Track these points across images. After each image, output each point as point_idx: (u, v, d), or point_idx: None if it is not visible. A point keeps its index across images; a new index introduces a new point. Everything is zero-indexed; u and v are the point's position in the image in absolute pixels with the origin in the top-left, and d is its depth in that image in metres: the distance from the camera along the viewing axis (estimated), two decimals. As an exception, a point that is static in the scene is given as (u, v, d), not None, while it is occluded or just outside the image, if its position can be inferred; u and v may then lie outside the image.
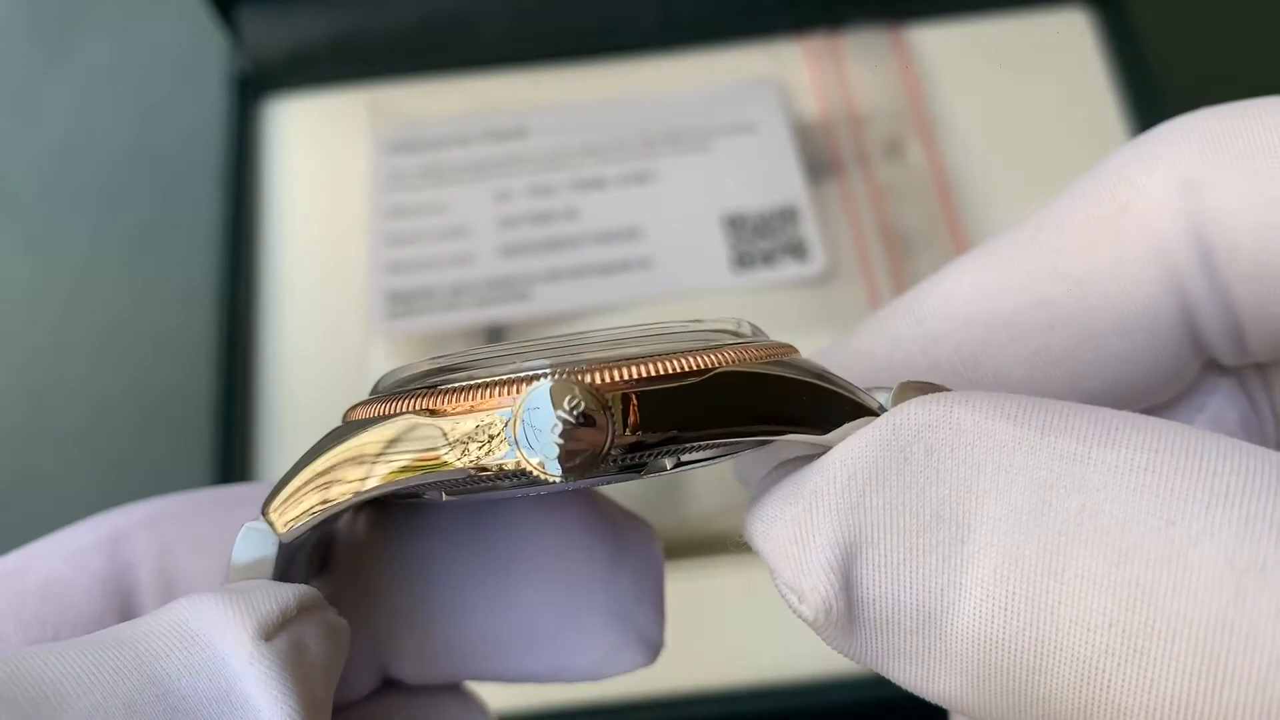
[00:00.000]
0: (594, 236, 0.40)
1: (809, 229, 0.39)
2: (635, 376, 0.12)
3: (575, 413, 0.12)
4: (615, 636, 0.17)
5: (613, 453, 0.12)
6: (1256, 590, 0.10)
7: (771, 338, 0.14)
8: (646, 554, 0.16)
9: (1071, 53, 0.43)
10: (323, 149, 0.43)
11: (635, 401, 0.12)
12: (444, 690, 0.16)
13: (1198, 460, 0.11)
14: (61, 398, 0.43)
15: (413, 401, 0.13)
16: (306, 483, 0.14)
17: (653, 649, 0.17)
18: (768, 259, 0.39)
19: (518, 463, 0.12)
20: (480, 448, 0.12)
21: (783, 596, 0.12)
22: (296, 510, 0.14)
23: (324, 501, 0.13)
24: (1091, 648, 0.10)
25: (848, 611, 0.12)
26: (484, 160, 0.41)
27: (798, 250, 0.39)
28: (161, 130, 0.47)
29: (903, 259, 0.39)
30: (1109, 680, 0.10)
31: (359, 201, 0.41)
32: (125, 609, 0.15)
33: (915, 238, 0.39)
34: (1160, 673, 0.10)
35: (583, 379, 0.12)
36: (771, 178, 0.40)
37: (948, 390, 0.13)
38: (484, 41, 0.44)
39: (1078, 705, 0.11)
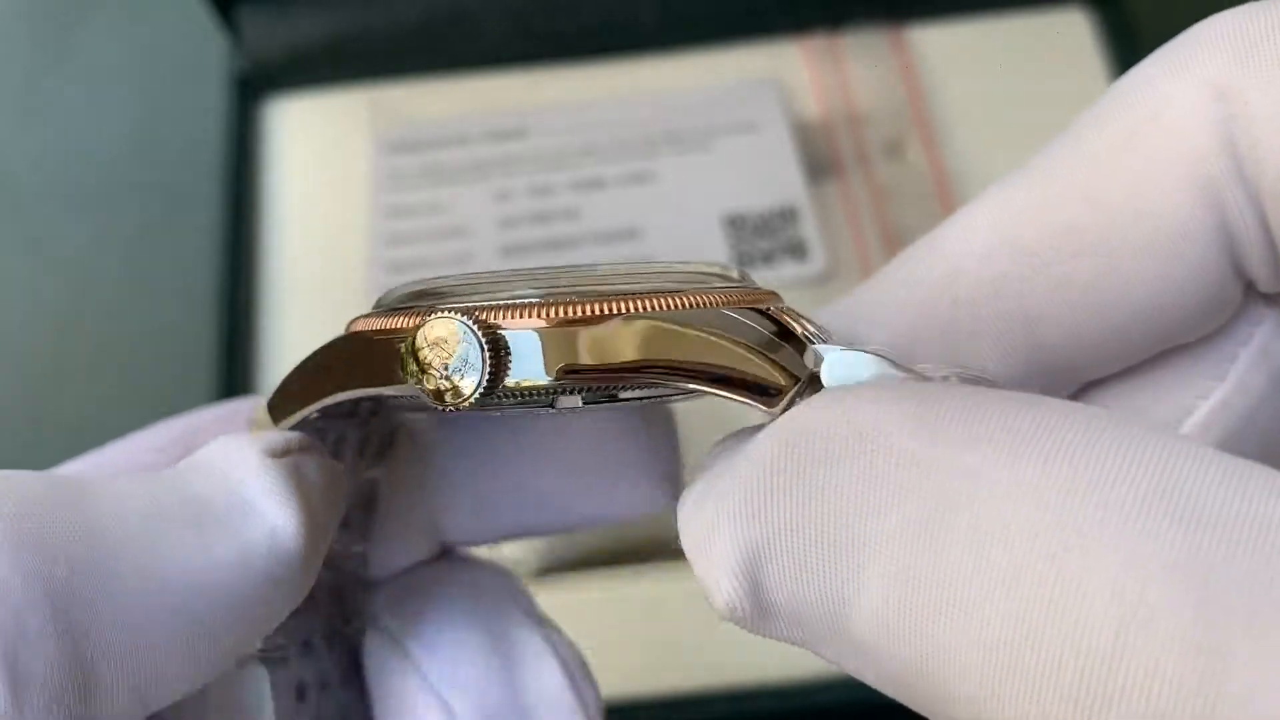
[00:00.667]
0: (594, 237, 0.40)
1: (809, 229, 0.39)
2: (573, 315, 0.13)
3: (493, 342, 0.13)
4: (646, 481, 0.17)
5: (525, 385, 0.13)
6: (1138, 632, 0.09)
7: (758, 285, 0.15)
8: (664, 415, 0.18)
9: (1071, 53, 0.43)
10: (323, 149, 0.43)
11: (560, 340, 0.13)
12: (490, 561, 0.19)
13: (1098, 472, 0.10)
14: (62, 396, 0.43)
15: (403, 319, 0.14)
16: (299, 385, 0.15)
17: (676, 488, 0.18)
18: (767, 259, 0.39)
19: (437, 387, 0.13)
20: (426, 372, 0.13)
21: (700, 585, 0.13)
22: (291, 408, 0.15)
23: (305, 404, 0.15)
24: (984, 665, 0.10)
25: (756, 608, 0.12)
26: (484, 160, 0.41)
27: (797, 250, 0.39)
28: (162, 130, 0.47)
29: (903, 259, 0.39)
30: (1001, 698, 0.10)
31: (359, 201, 0.41)
32: None
33: (915, 238, 0.39)
34: (1048, 699, 0.10)
35: (512, 315, 0.13)
36: (771, 178, 0.40)
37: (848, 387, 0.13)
38: (484, 41, 0.44)
39: (972, 707, 0.10)
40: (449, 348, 0.13)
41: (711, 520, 0.12)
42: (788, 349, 0.14)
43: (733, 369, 0.13)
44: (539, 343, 0.13)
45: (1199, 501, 0.10)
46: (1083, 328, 0.14)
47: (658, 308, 0.13)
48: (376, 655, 0.17)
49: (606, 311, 0.13)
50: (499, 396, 0.13)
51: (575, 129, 0.42)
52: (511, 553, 0.35)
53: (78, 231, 0.46)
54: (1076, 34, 0.43)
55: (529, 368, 0.13)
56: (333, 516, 0.15)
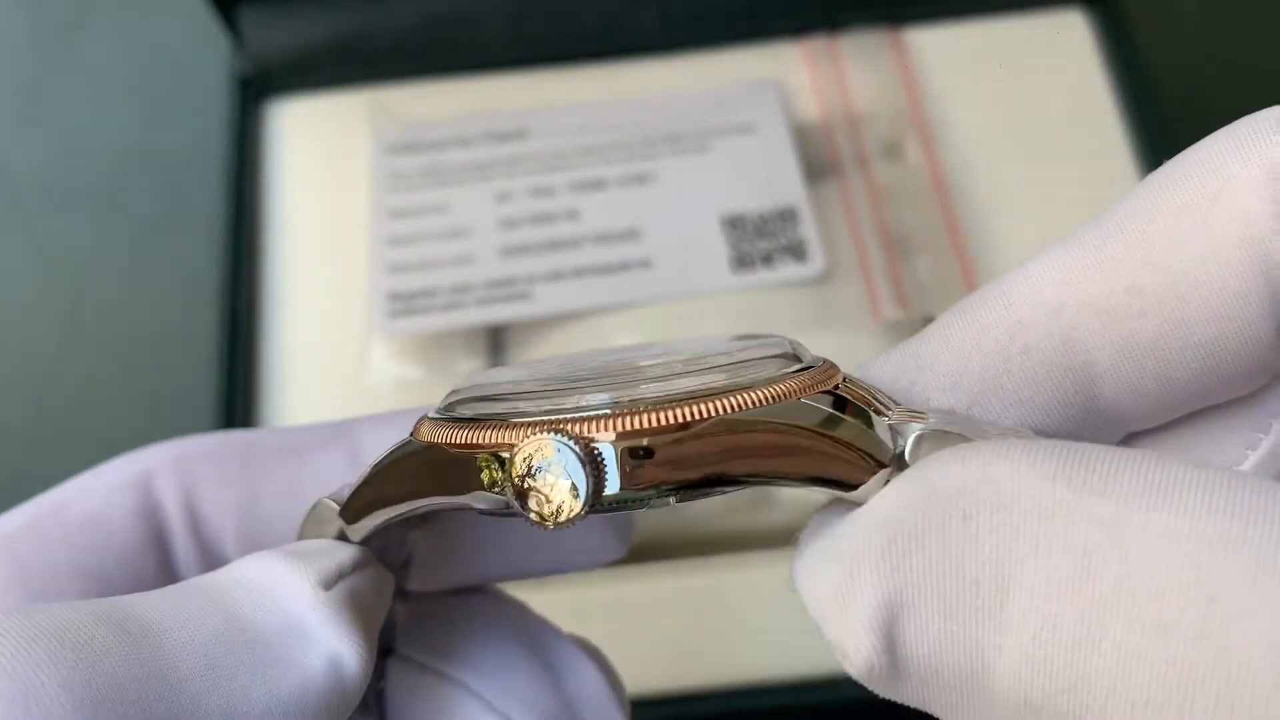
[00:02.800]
0: (594, 237, 0.40)
1: (808, 230, 0.39)
2: (649, 425, 0.13)
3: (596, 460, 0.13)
4: (599, 535, 0.18)
5: (606, 496, 0.13)
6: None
7: (812, 354, 0.15)
8: None
9: (1069, 54, 0.43)
10: (324, 150, 0.43)
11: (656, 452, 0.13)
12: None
13: (1244, 525, 0.10)
14: (64, 398, 0.43)
15: (484, 433, 0.14)
16: (374, 491, 0.15)
17: (627, 542, 0.19)
18: (767, 260, 0.39)
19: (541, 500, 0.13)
20: (526, 491, 0.13)
21: (830, 646, 0.13)
22: (365, 513, 0.15)
23: (380, 508, 0.15)
24: (1136, 718, 0.10)
25: (892, 666, 0.12)
26: (485, 161, 0.42)
27: (797, 251, 0.39)
28: (164, 131, 0.47)
29: (901, 260, 0.39)
30: None
31: (360, 202, 0.41)
32: (160, 542, 0.17)
33: (914, 238, 0.40)
34: None
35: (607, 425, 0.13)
36: (771, 179, 0.40)
37: (971, 441, 0.13)
38: (485, 43, 0.44)
39: None
40: (548, 464, 0.13)
41: (842, 578, 0.12)
42: (863, 430, 0.14)
43: (815, 468, 0.13)
44: (614, 454, 0.13)
45: None
46: (1142, 383, 0.15)
47: (730, 409, 0.13)
48: (403, 682, 0.18)
49: (682, 419, 0.13)
50: (598, 508, 0.13)
51: (575, 130, 0.42)
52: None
53: (79, 232, 0.46)
54: (1075, 35, 0.43)
55: (613, 480, 0.13)
56: (380, 621, 0.16)
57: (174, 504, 0.17)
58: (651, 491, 0.13)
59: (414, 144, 0.42)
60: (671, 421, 0.13)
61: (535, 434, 0.13)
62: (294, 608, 0.14)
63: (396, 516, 0.15)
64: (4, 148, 0.48)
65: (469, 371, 0.38)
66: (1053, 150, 0.41)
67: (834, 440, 0.13)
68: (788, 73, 0.43)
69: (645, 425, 0.13)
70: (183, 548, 0.17)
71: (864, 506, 0.13)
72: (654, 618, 0.34)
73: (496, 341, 0.39)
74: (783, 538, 0.36)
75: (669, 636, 0.34)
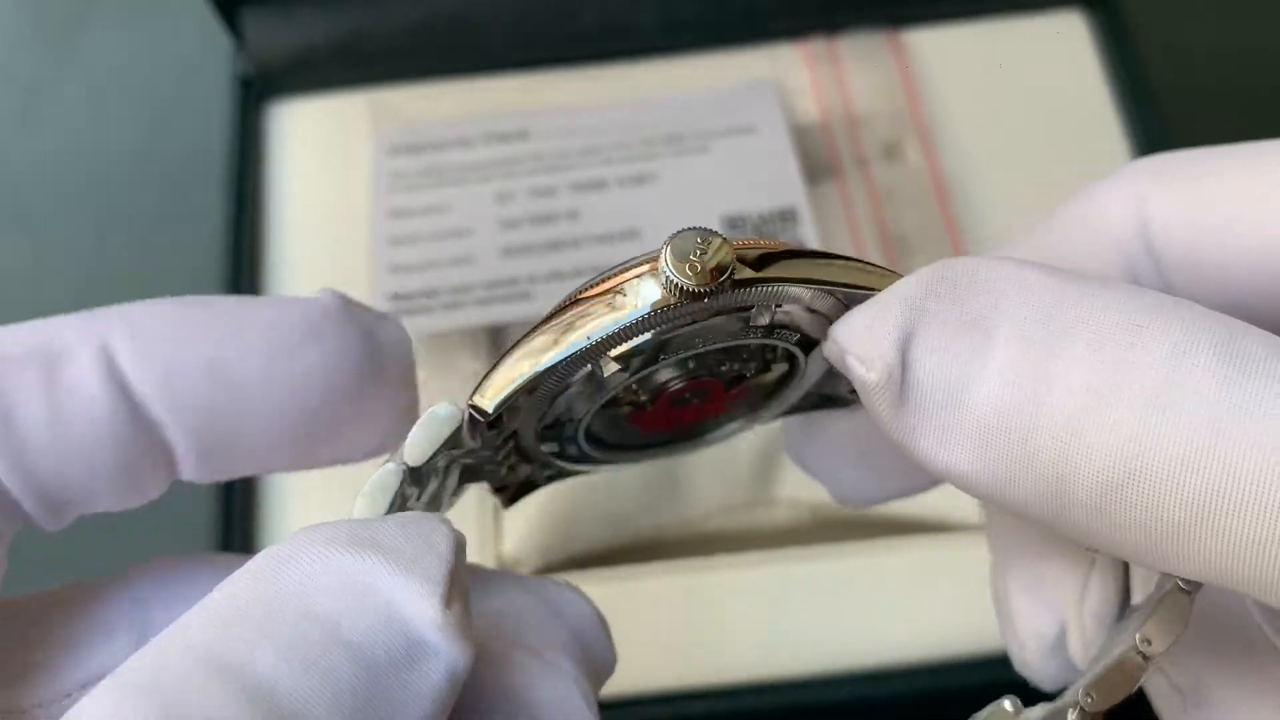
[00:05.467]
0: (595, 238, 0.40)
1: (808, 230, 0.39)
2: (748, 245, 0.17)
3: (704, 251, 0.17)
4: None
5: (731, 278, 0.16)
6: (1189, 362, 0.14)
7: None
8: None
9: (1069, 55, 0.43)
10: (325, 151, 0.43)
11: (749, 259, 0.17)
12: None
13: (1170, 303, 0.15)
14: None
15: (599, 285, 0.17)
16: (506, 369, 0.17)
17: None
18: (767, 260, 0.39)
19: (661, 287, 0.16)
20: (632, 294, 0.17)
21: (850, 369, 0.16)
22: (500, 385, 0.17)
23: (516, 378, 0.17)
24: (1070, 409, 0.14)
25: (900, 380, 0.15)
26: (485, 162, 0.42)
27: (797, 251, 0.39)
28: (166, 132, 0.47)
29: (900, 260, 0.39)
30: (1080, 429, 0.14)
31: (361, 203, 0.42)
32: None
33: (913, 239, 0.40)
34: (1117, 418, 0.14)
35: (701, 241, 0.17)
36: (771, 180, 0.40)
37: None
38: (485, 45, 0.44)
39: (1055, 457, 0.14)
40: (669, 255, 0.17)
41: (878, 310, 0.16)
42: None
43: (850, 278, 0.17)
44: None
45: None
46: None
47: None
48: None
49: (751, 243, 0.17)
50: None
51: (576, 131, 0.42)
52: (511, 551, 0.36)
53: (81, 233, 0.46)
54: (1074, 36, 0.44)
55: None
56: None
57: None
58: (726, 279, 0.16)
59: (414, 144, 0.42)
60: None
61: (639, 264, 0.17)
62: (417, 630, 0.14)
63: (536, 373, 0.17)
64: (5, 148, 0.48)
65: (473, 373, 0.38)
66: (1052, 151, 0.41)
67: (865, 263, 0.17)
68: (787, 73, 0.43)
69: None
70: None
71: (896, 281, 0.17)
72: (652, 617, 0.34)
73: (497, 341, 0.39)
74: (782, 538, 0.36)
75: (667, 636, 0.34)
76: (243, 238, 0.41)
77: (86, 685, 0.18)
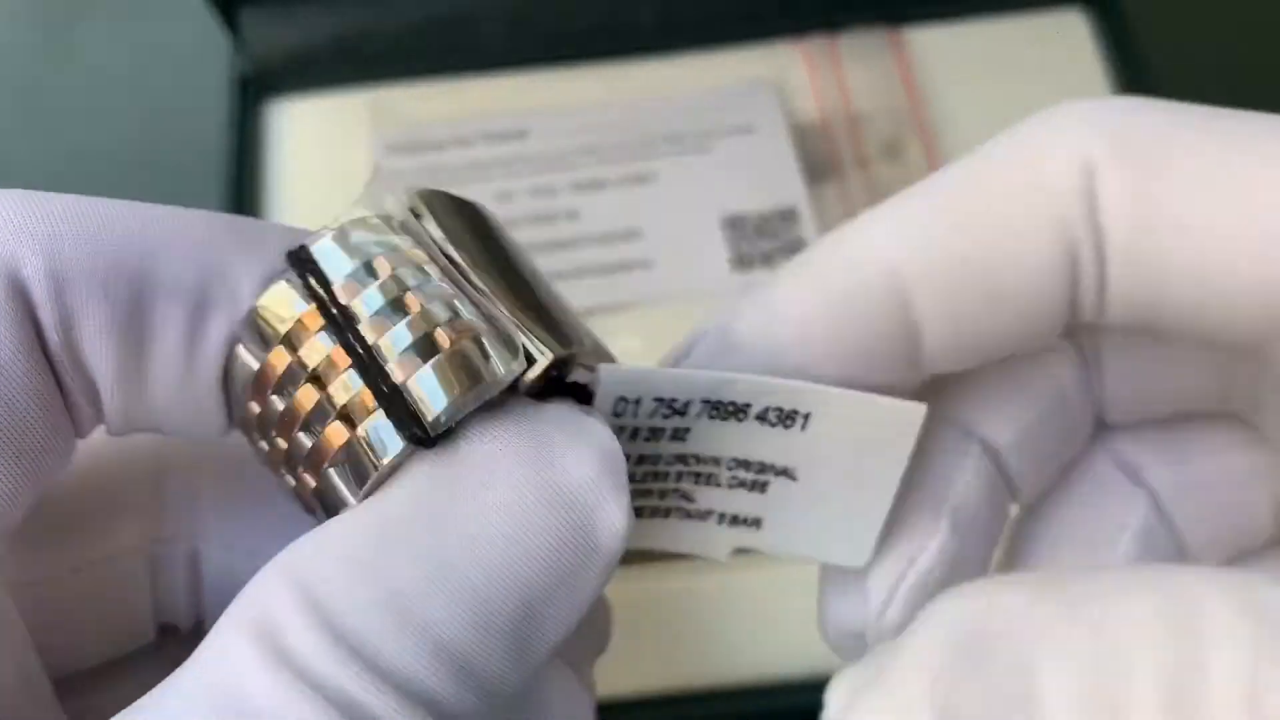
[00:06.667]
0: (594, 237, 0.40)
1: (808, 230, 0.39)
2: None
3: None
4: None
5: None
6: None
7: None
8: None
9: (1070, 54, 0.43)
10: (324, 150, 0.43)
11: None
12: None
13: (1196, 605, 0.13)
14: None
15: None
16: None
17: None
18: (767, 260, 0.39)
19: None
20: None
21: None
22: None
23: None
24: None
25: None
26: (485, 161, 0.42)
27: (797, 251, 0.39)
28: (164, 131, 0.47)
29: (901, 260, 0.39)
30: None
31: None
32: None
33: (914, 238, 0.40)
34: None
35: None
36: (771, 179, 0.40)
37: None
38: (484, 44, 0.44)
39: None
40: None
41: (900, 714, 0.14)
42: None
43: None
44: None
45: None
46: (959, 341, 0.17)
47: None
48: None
49: None
50: None
51: (575, 131, 0.42)
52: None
53: (80, 233, 0.46)
54: (1075, 35, 0.43)
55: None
56: None
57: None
58: None
59: (414, 144, 0.42)
60: None
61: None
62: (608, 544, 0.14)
63: None
64: (4, 147, 0.48)
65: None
66: (1052, 150, 0.41)
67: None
68: (787, 73, 0.43)
69: None
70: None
71: (904, 651, 0.15)
72: (653, 618, 0.34)
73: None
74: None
75: (667, 636, 0.34)
76: (242, 237, 0.41)
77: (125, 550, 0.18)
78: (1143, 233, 0.16)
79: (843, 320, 0.17)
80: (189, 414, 0.16)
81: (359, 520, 0.14)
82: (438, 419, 0.14)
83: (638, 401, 0.16)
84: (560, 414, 0.15)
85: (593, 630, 0.19)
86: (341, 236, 0.15)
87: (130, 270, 0.15)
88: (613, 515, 0.14)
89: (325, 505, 0.15)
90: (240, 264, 0.15)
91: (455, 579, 0.13)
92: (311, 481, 0.15)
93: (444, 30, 0.44)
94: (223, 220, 0.16)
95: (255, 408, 0.15)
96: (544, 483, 0.14)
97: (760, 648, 0.34)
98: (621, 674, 0.33)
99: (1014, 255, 0.16)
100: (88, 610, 0.18)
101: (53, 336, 0.14)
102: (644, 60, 0.44)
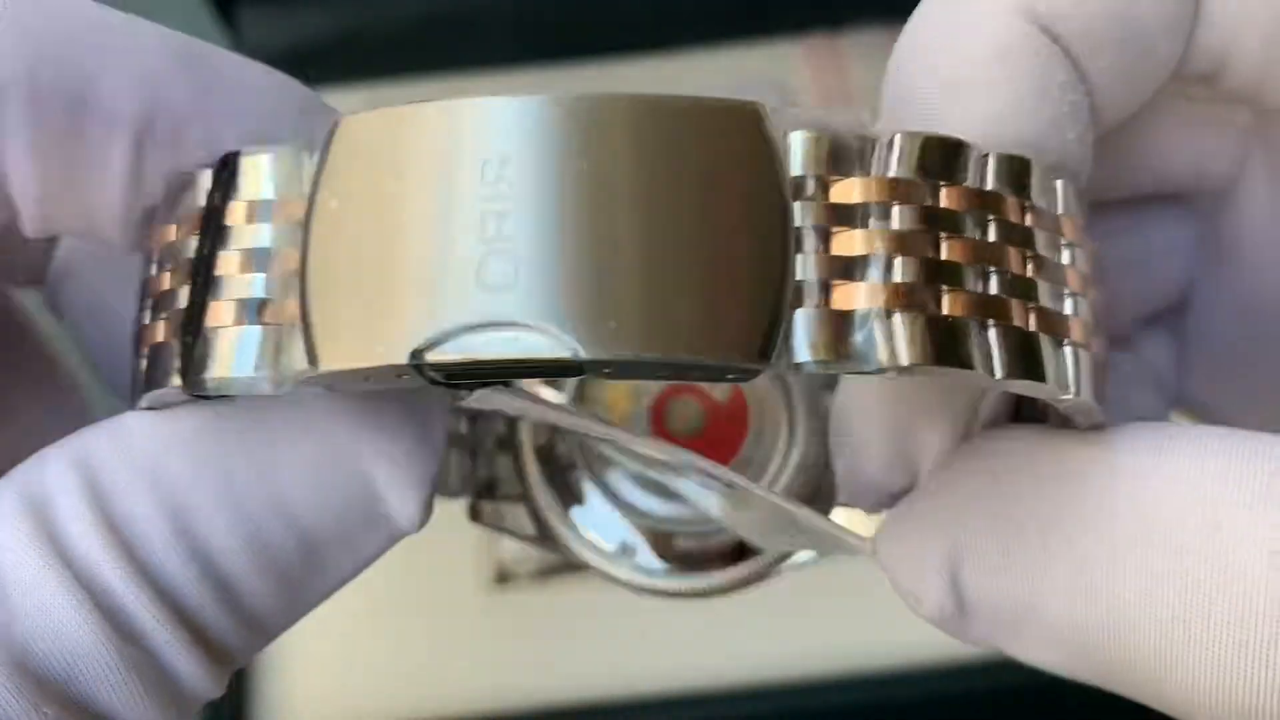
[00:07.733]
0: (595, 236, 0.40)
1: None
2: None
3: None
4: None
5: None
6: None
7: None
8: None
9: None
10: (323, 149, 0.43)
11: None
12: None
13: (1239, 463, 0.13)
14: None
15: None
16: None
17: None
18: (768, 259, 0.39)
19: None
20: None
21: (901, 596, 0.15)
22: None
23: None
24: (1160, 636, 0.13)
25: (958, 608, 0.14)
26: (485, 160, 0.42)
27: (798, 250, 0.39)
28: (162, 130, 0.47)
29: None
30: (1177, 657, 0.13)
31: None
32: None
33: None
34: (1218, 655, 0.12)
35: None
36: (772, 178, 0.40)
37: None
38: (485, 42, 0.44)
39: (1153, 674, 0.13)
40: None
41: (915, 534, 0.15)
42: None
43: None
44: None
45: None
46: (987, 132, 0.16)
47: None
48: None
49: None
50: None
51: (576, 129, 0.42)
52: (512, 554, 0.35)
53: (78, 231, 0.46)
54: (1077, 34, 0.43)
55: None
56: None
57: None
58: None
59: (414, 143, 0.42)
60: None
61: None
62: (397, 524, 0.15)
63: None
64: (3, 146, 0.48)
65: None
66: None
67: None
68: (789, 72, 0.43)
69: None
70: None
71: (923, 479, 0.15)
72: (652, 618, 0.34)
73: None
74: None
75: (667, 637, 0.34)
76: (240, 236, 0.41)
77: None
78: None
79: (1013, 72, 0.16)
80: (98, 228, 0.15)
81: (159, 428, 0.14)
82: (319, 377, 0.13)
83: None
84: (395, 400, 0.15)
85: None
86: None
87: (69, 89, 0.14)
88: (408, 499, 0.15)
89: (153, 363, 0.14)
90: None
91: (240, 506, 0.14)
92: (161, 336, 0.14)
93: (443, 28, 0.44)
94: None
95: (172, 234, 0.14)
96: (350, 452, 0.14)
97: (761, 649, 0.34)
98: (621, 675, 0.33)
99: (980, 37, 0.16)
100: None
101: None
102: (645, 58, 0.44)
